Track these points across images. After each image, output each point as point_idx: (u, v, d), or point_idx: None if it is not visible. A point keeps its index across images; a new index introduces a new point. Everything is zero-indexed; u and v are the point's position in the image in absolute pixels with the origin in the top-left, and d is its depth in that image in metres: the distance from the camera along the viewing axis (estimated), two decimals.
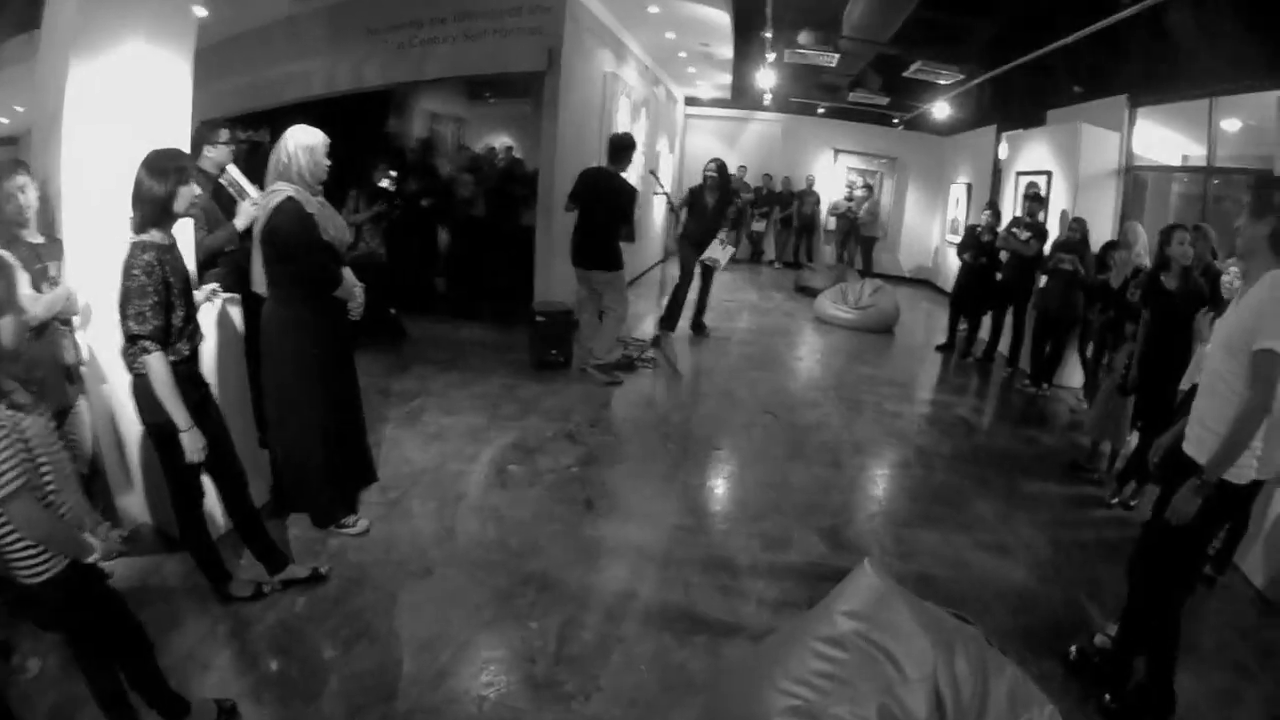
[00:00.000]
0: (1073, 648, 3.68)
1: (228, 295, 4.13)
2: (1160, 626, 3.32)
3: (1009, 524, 5.12)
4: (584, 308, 7.59)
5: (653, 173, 9.54)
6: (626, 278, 7.45)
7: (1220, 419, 3.03)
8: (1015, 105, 12.21)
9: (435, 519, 4.50)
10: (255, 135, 8.25)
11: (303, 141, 3.85)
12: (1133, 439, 5.76)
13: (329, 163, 3.97)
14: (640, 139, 11.95)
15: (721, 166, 9.29)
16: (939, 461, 6.10)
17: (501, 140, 13.26)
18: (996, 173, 13.20)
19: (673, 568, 4.18)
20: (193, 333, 3.28)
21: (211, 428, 3.34)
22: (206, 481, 3.48)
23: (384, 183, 8.11)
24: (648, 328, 9.29)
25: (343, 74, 8.32)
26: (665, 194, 8.86)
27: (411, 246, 8.92)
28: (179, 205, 3.07)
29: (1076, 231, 8.08)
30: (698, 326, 9.72)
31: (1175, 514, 3.07)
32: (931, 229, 17.29)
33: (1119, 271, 6.96)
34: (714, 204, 9.18)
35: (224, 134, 4.56)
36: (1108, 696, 3.40)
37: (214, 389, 3.66)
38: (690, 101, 17.76)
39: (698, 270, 9.32)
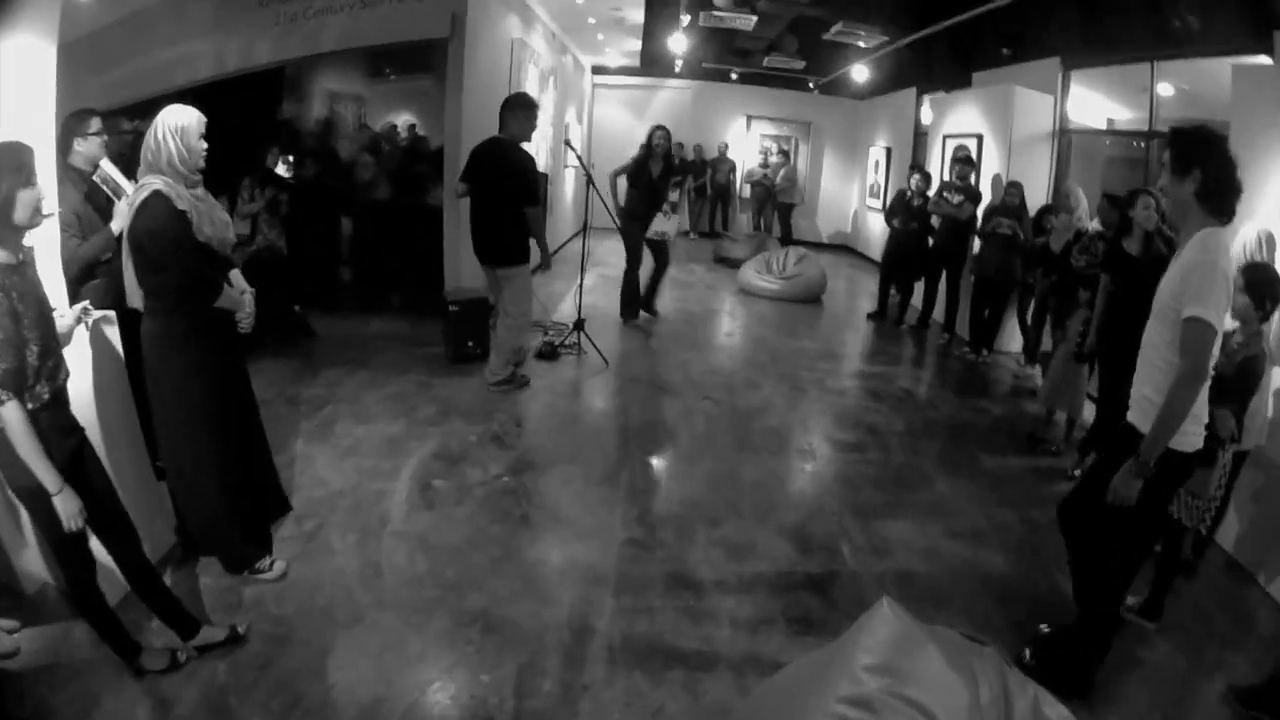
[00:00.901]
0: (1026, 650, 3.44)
1: (100, 314, 3.50)
2: (1111, 589, 3.27)
3: (978, 505, 4.85)
4: (499, 307, 6.56)
5: (568, 143, 8.86)
6: (531, 270, 6.35)
7: (1159, 389, 2.93)
8: (938, 68, 12.06)
9: (358, 553, 3.94)
10: (141, 125, 7.44)
11: (171, 123, 3.25)
12: (1090, 409, 5.63)
13: (205, 146, 3.36)
14: (549, 109, 11.41)
15: (668, 134, 8.64)
16: (894, 441, 5.77)
17: (404, 118, 12.61)
18: (918, 135, 13.11)
19: (630, 592, 3.70)
20: (54, 370, 2.68)
21: (91, 481, 2.81)
22: (98, 543, 2.94)
23: (280, 168, 7.48)
24: (567, 309, 8.69)
25: (232, 53, 7.59)
26: (584, 168, 7.63)
27: (313, 236, 8.21)
28: (20, 215, 2.48)
29: (1014, 196, 7.90)
30: (648, 306, 9.07)
31: (1115, 495, 2.98)
32: (850, 194, 17.12)
33: (1059, 235, 6.87)
34: (659, 174, 8.49)
35: (94, 124, 3.95)
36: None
37: (95, 426, 3.20)
38: (598, 70, 17.19)
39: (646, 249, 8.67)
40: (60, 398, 2.75)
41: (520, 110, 6.00)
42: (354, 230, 9.20)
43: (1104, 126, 8.59)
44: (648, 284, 8.94)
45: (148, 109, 7.51)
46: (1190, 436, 2.92)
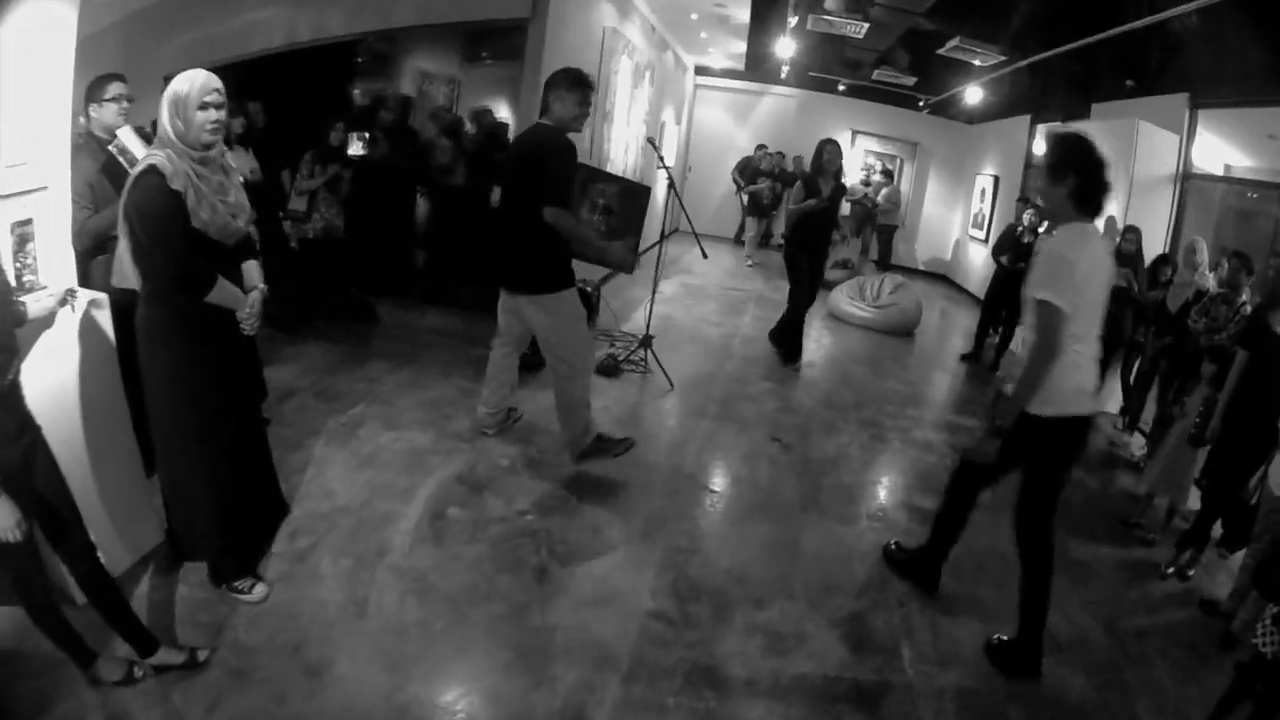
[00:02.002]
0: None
1: (90, 296, 3.16)
2: (1037, 568, 3.62)
3: (1060, 605, 4.07)
4: (500, 341, 5.10)
5: (651, 142, 7.77)
6: (578, 299, 4.80)
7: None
8: (1055, 95, 11.29)
9: (347, 585, 3.48)
10: None
11: (169, 93, 2.86)
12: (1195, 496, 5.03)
13: (214, 116, 2.91)
14: (644, 106, 10.89)
15: (839, 150, 7.59)
16: (978, 516, 5.06)
17: (497, 103, 12.24)
18: (1029, 166, 12.33)
19: (643, 680, 3.14)
20: (4, 364, 2.36)
21: (41, 490, 2.51)
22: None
23: (355, 146, 7.11)
24: (639, 320, 7.88)
25: (305, 22, 7.27)
26: (665, 169, 6.84)
27: (382, 218, 7.86)
28: None
29: (1131, 243, 7.15)
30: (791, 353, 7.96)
31: (975, 453, 3.59)
32: (952, 221, 16.21)
33: (1177, 293, 6.26)
34: (829, 194, 7.45)
35: (113, 89, 3.64)
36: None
37: (75, 417, 3.03)
38: (701, 71, 16.63)
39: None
40: (12, 394, 2.45)
41: (565, 89, 4.44)
42: (429, 214, 8.81)
43: (1220, 172, 7.78)
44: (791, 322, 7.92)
45: (222, 74, 7.43)
46: (1049, 405, 3.28)
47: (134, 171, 2.82)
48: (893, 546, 4.38)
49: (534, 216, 4.36)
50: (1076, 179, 3.24)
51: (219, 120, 2.93)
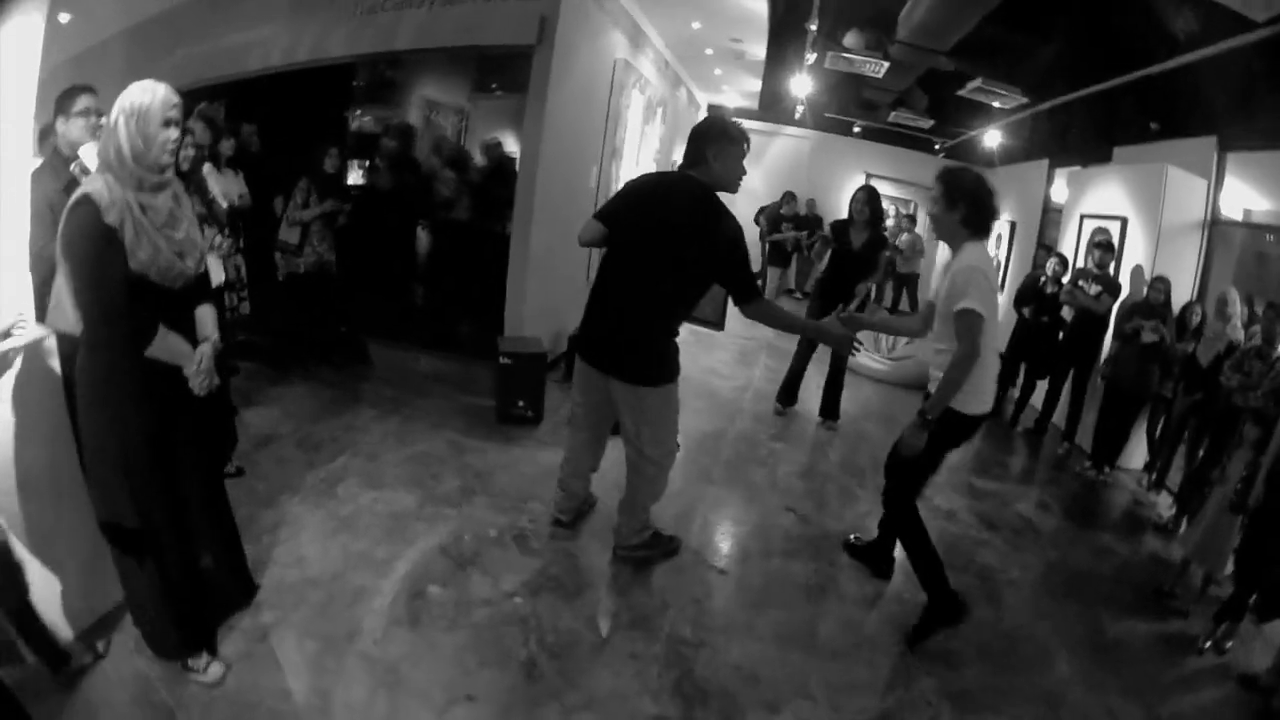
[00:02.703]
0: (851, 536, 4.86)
1: (40, 331, 2.82)
2: (913, 535, 4.13)
3: (1099, 695, 3.78)
4: (578, 425, 4.40)
5: None
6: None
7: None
8: (1075, 138, 10.92)
9: (311, 673, 3.09)
10: (208, 108, 6.81)
11: (128, 104, 2.52)
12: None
13: (175, 135, 2.60)
14: (655, 144, 10.58)
15: (872, 196, 6.99)
16: (1009, 594, 4.66)
17: (506, 135, 11.97)
18: (1047, 212, 11.98)
19: None
20: None
21: None
22: None
23: (354, 175, 6.79)
24: None
25: (305, 42, 7.02)
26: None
27: (380, 251, 7.51)
28: None
29: (1159, 292, 6.80)
30: (829, 411, 7.42)
31: (905, 446, 3.90)
32: None
33: (1208, 346, 5.99)
34: (862, 247, 6.90)
35: (82, 102, 3.31)
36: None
37: (9, 468, 2.71)
38: (714, 109, 16.25)
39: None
40: None
41: (730, 141, 3.78)
42: (430, 249, 8.44)
43: (1239, 217, 7.41)
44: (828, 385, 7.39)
45: (218, 93, 7.19)
46: (971, 404, 3.78)
47: (71, 200, 2.47)
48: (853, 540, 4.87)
49: (675, 296, 3.81)
50: (967, 207, 3.71)
51: (179, 140, 2.61)
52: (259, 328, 6.30)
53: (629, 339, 3.82)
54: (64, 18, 6.98)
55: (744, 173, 3.88)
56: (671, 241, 3.66)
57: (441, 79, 11.48)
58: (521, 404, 5.98)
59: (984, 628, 4.26)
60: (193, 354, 2.74)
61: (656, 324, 3.83)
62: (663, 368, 3.89)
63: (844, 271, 6.88)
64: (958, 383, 3.65)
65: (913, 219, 15.15)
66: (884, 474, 4.33)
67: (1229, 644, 4.38)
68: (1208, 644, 4.39)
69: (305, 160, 6.52)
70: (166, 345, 2.62)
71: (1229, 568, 4.65)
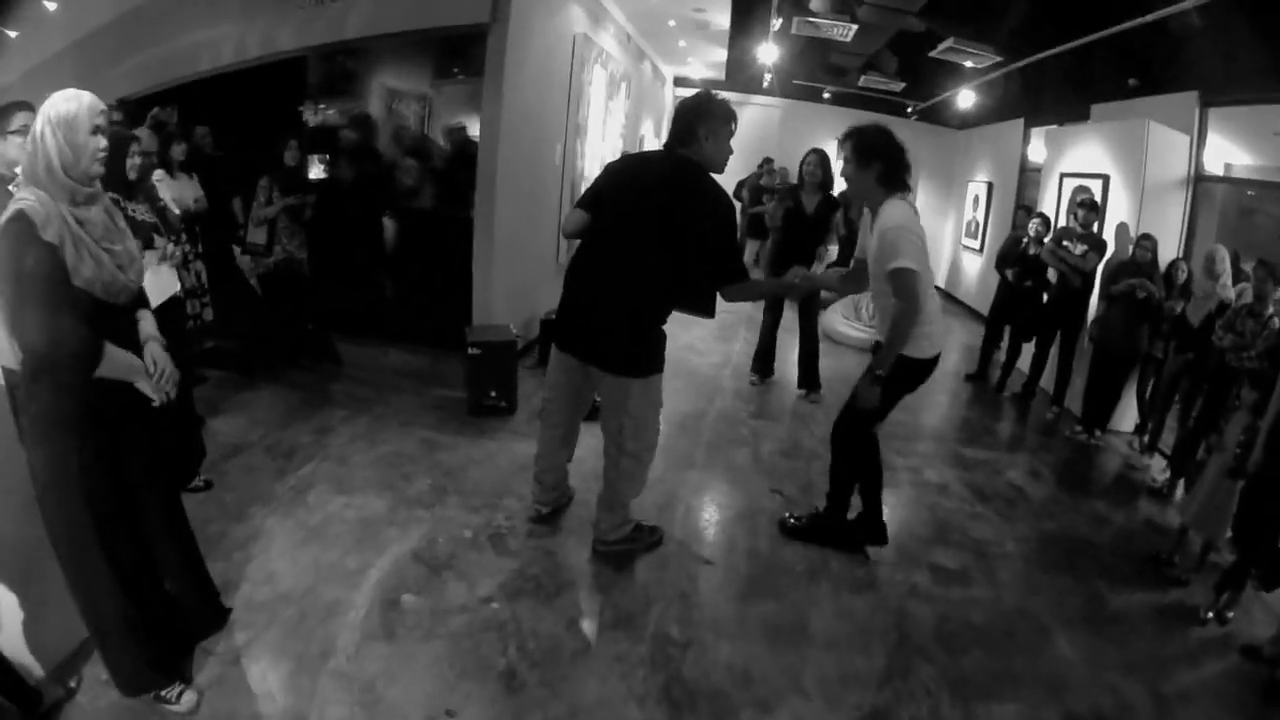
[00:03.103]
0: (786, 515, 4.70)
1: None
2: (866, 467, 4.31)
3: (1100, 672, 3.66)
4: (549, 419, 4.20)
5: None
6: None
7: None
8: (1049, 97, 10.80)
9: (286, 694, 2.94)
10: (161, 113, 6.59)
11: (52, 114, 2.35)
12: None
13: (104, 143, 2.43)
14: (620, 119, 10.38)
15: (824, 160, 6.94)
16: (1004, 568, 4.52)
17: (470, 121, 11.75)
18: (1024, 171, 11.89)
19: None
20: None
21: None
22: None
23: (316, 168, 6.58)
24: None
25: (255, 39, 6.81)
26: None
27: (341, 247, 7.27)
28: None
29: (1146, 251, 6.67)
30: (810, 382, 7.35)
31: (861, 400, 3.98)
32: (944, 231, 15.64)
33: (1198, 306, 5.88)
34: (814, 210, 6.90)
35: (19, 119, 3.11)
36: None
37: None
38: (680, 82, 16.16)
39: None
40: None
41: (723, 121, 3.66)
42: (395, 240, 8.23)
43: (1220, 171, 7.36)
44: (803, 357, 7.35)
45: (169, 97, 7.00)
46: (923, 349, 3.91)
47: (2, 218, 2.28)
48: (791, 521, 4.64)
49: (662, 282, 3.65)
50: (882, 164, 3.80)
51: (106, 149, 2.44)
52: (224, 332, 6.11)
53: (613, 327, 3.66)
54: (11, 33, 6.81)
55: (731, 152, 3.74)
56: (665, 224, 3.54)
57: (402, 67, 11.25)
58: (494, 394, 5.84)
59: (982, 607, 4.13)
60: (143, 365, 2.57)
61: (645, 312, 3.68)
62: (650, 358, 3.76)
63: (798, 235, 6.88)
64: (905, 336, 3.77)
65: None
66: (832, 429, 4.41)
67: (1231, 613, 4.27)
68: (1209, 614, 4.28)
69: (264, 158, 6.36)
70: (115, 362, 2.44)
71: (1228, 534, 4.53)
